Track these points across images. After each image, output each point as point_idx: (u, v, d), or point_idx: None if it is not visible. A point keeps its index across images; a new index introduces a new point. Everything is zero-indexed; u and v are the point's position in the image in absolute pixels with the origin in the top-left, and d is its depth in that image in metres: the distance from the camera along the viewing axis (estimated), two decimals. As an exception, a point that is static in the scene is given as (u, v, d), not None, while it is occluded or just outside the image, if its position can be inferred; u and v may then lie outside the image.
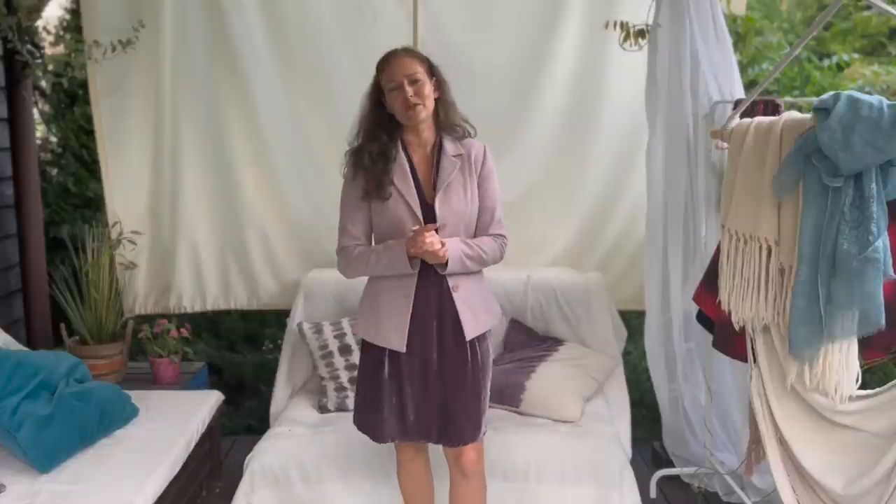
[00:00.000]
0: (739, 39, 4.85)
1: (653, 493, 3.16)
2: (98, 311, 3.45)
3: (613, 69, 3.44)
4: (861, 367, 2.03)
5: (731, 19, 3.50)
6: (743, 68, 4.14)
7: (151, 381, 3.47)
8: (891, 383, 1.98)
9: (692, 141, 3.00)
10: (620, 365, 3.32)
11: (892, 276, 1.92)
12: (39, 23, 3.85)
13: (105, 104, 3.56)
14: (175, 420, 2.87)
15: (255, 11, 3.48)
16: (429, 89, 2.20)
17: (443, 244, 2.13)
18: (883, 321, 1.93)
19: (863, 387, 2.04)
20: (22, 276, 3.77)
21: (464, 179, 2.25)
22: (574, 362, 3.15)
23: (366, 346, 2.32)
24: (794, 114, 2.24)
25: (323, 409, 3.04)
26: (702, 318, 2.73)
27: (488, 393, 2.32)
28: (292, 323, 3.40)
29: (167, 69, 3.52)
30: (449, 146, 2.27)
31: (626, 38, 3.05)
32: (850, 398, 2.03)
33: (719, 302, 2.39)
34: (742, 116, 2.52)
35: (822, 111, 1.96)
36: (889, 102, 1.89)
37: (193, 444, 2.83)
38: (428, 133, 2.27)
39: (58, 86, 3.93)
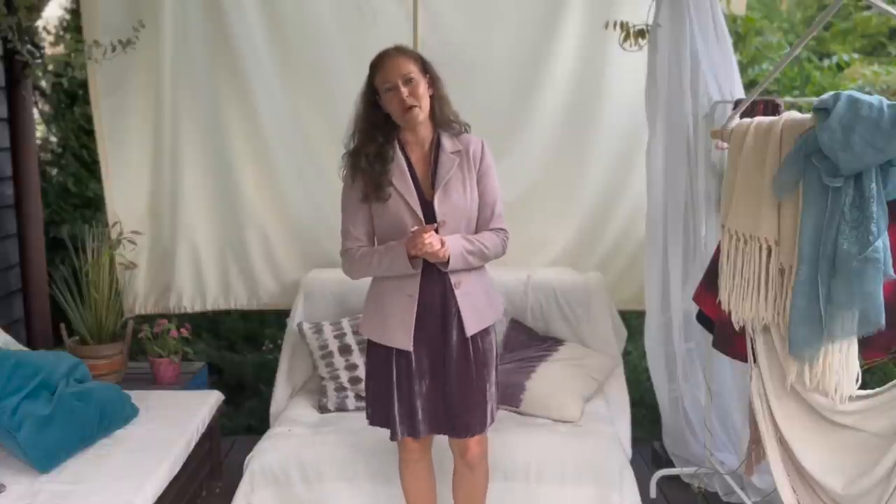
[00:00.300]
0: (739, 39, 4.85)
1: (653, 493, 3.16)
2: (98, 311, 3.45)
3: (613, 69, 3.44)
4: (861, 367, 2.03)
5: (731, 19, 3.50)
6: (743, 68, 4.14)
7: (151, 381, 3.47)
8: (891, 383, 1.98)
9: (692, 141, 3.00)
10: (620, 365, 3.32)
11: (892, 276, 1.92)
12: (39, 23, 3.84)
13: (105, 104, 3.56)
14: (175, 420, 2.87)
15: (255, 11, 3.47)
16: (423, 88, 2.20)
17: (443, 243, 2.13)
18: (883, 321, 1.93)
19: (863, 387, 2.04)
20: (22, 276, 3.77)
21: (462, 175, 2.25)
22: (574, 362, 3.15)
23: (372, 345, 2.33)
24: (794, 114, 2.24)
25: (323, 409, 3.04)
26: (702, 318, 2.73)
27: (494, 386, 2.33)
28: (292, 323, 3.40)
29: (167, 69, 3.52)
30: (447, 143, 2.27)
31: (626, 38, 3.05)
32: (850, 398, 2.03)
33: (719, 302, 2.39)
34: (742, 116, 2.52)
35: (822, 111, 1.96)
36: (889, 102, 1.89)
37: (193, 444, 2.83)
38: (425, 131, 2.27)
39: (58, 86, 3.93)
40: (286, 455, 2.69)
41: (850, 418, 2.03)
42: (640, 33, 3.03)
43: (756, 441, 2.42)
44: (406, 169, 2.24)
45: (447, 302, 2.24)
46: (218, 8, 3.45)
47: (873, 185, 1.91)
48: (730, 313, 2.33)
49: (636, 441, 3.13)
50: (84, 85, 3.69)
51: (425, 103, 2.21)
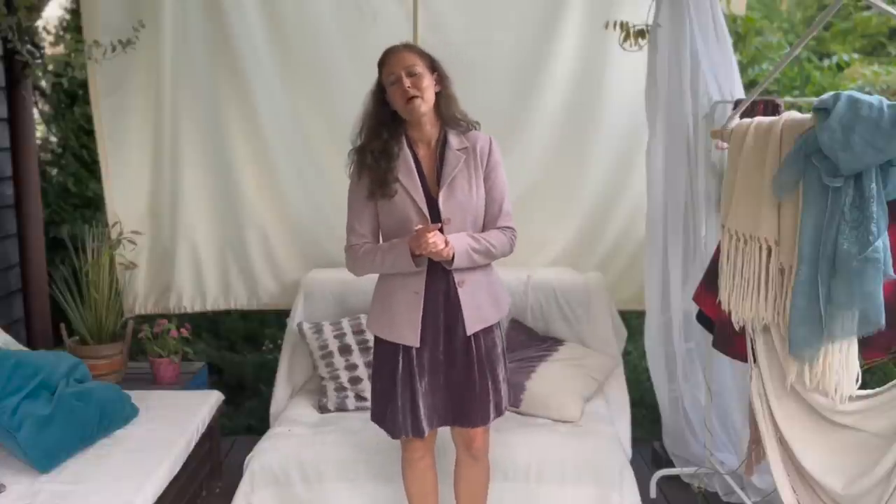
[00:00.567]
0: (739, 39, 4.85)
1: (653, 493, 3.16)
2: (98, 311, 3.45)
3: (613, 69, 3.44)
4: (861, 367, 2.03)
5: (731, 19, 3.50)
6: (743, 68, 4.14)
7: (151, 381, 3.47)
8: (891, 383, 1.98)
9: (692, 141, 3.00)
10: (620, 365, 3.32)
11: (892, 276, 1.92)
12: (39, 23, 3.84)
13: (105, 104, 3.56)
14: (175, 420, 2.87)
15: (255, 11, 3.47)
16: (428, 82, 2.20)
17: (447, 243, 2.13)
18: (883, 321, 1.93)
19: (863, 387, 2.04)
20: (22, 276, 3.77)
21: (469, 173, 2.25)
22: (574, 362, 3.15)
23: (379, 342, 2.33)
24: (794, 114, 2.24)
25: (323, 409, 3.04)
26: (702, 318, 2.73)
27: (501, 382, 2.33)
28: (292, 323, 3.40)
29: (167, 69, 3.52)
30: (453, 140, 2.27)
31: (626, 38, 3.05)
32: (850, 398, 2.03)
33: (719, 302, 2.39)
34: (742, 116, 2.52)
35: (822, 111, 1.96)
36: (889, 102, 1.89)
37: (193, 444, 2.83)
38: (431, 128, 2.28)
39: (58, 86, 3.93)
40: (286, 455, 2.69)
41: (850, 418, 2.03)
42: (640, 33, 3.03)
43: (756, 441, 2.42)
44: (412, 166, 2.24)
45: (451, 299, 2.25)
46: (218, 8, 3.45)
47: (873, 185, 1.91)
48: (730, 313, 2.33)
49: (636, 441, 3.13)
50: (84, 85, 3.69)
51: (428, 96, 2.21)
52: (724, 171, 2.63)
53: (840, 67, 5.10)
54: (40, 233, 3.84)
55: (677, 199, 3.08)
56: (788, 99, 3.30)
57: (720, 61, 2.99)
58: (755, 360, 2.29)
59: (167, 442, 2.68)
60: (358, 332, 3.24)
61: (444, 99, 2.27)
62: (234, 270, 3.75)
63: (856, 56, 5.21)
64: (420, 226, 2.13)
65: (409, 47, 2.26)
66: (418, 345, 2.24)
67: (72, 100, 4.75)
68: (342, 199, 3.59)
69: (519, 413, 2.94)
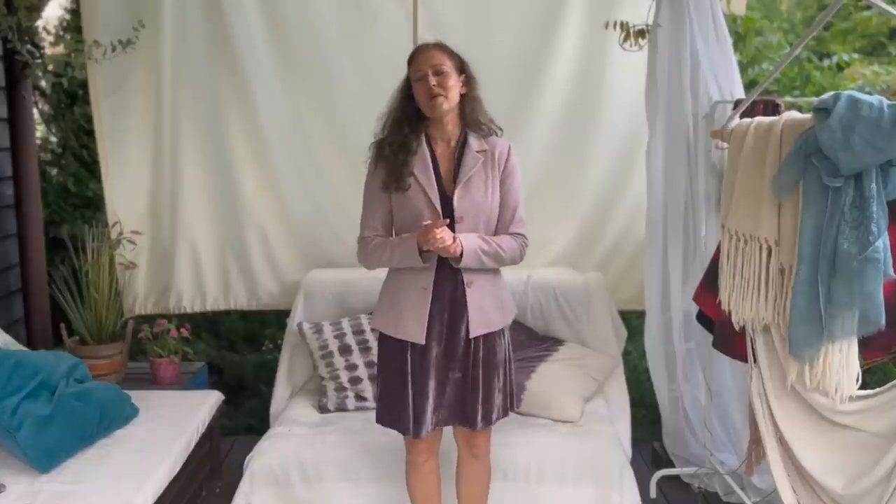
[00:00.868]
0: (739, 39, 4.85)
1: (653, 493, 3.16)
2: (98, 311, 3.45)
3: (613, 69, 3.44)
4: (861, 367, 2.03)
5: (731, 19, 3.50)
6: (743, 68, 4.14)
7: (151, 381, 3.47)
8: (891, 383, 1.98)
9: (692, 141, 3.00)
10: (620, 365, 3.32)
11: (892, 276, 1.92)
12: (39, 23, 3.84)
13: (105, 104, 3.56)
14: (175, 420, 2.87)
15: (255, 11, 3.47)
16: (453, 82, 2.21)
17: (455, 239, 2.13)
18: (883, 321, 1.93)
19: (863, 387, 2.04)
20: (22, 276, 3.77)
21: (486, 175, 2.26)
22: (574, 362, 3.15)
23: (384, 340, 2.33)
24: (794, 114, 2.24)
25: (323, 409, 3.04)
26: (702, 318, 2.73)
27: (503, 386, 2.33)
28: (292, 323, 3.40)
29: (167, 69, 3.52)
30: (473, 142, 2.28)
31: (626, 38, 3.05)
32: (850, 398, 2.03)
33: (719, 302, 2.39)
34: (742, 116, 2.52)
35: (822, 111, 1.96)
36: (889, 102, 1.89)
37: (193, 444, 2.83)
38: (452, 128, 2.29)
39: (58, 86, 3.93)
40: (286, 455, 2.69)
41: (850, 418, 2.03)
42: (640, 33, 3.03)
43: (756, 441, 2.42)
44: (429, 162, 2.25)
45: (457, 299, 2.25)
46: (218, 8, 3.45)
47: (873, 185, 1.91)
48: (730, 313, 2.33)
49: (636, 441, 3.13)
50: (84, 85, 3.69)
51: (452, 95, 2.22)
52: (724, 171, 2.63)
53: (840, 67, 5.10)
54: (40, 233, 3.84)
55: (677, 199, 3.08)
56: (788, 99, 3.30)
57: (720, 61, 2.99)
58: (755, 360, 2.29)
59: (167, 442, 2.68)
60: (358, 332, 3.24)
61: (468, 101, 2.28)
62: (233, 270, 3.75)
63: (856, 56, 5.21)
64: (429, 221, 2.13)
65: (440, 46, 2.27)
66: (423, 341, 2.23)
67: (72, 100, 4.75)
68: (342, 200, 3.66)
69: (519, 413, 2.94)
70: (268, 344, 5.00)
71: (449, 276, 2.24)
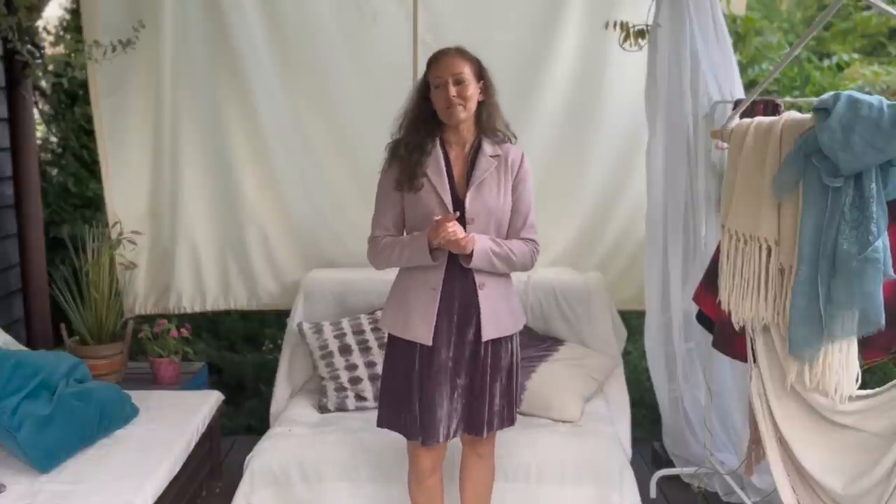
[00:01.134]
0: (739, 39, 4.85)
1: (653, 493, 3.16)
2: (98, 311, 3.44)
3: (613, 69, 3.44)
4: (861, 367, 2.03)
5: (731, 19, 3.50)
6: (743, 68, 4.14)
7: (151, 381, 3.46)
8: (891, 383, 1.98)
9: (692, 141, 3.00)
10: (620, 365, 3.32)
11: (892, 276, 1.92)
12: (39, 23, 3.84)
13: (105, 104, 3.56)
14: (175, 420, 2.87)
15: (255, 11, 3.47)
16: (473, 90, 2.22)
17: (466, 235, 2.14)
18: (883, 321, 1.93)
19: (863, 387, 2.04)
20: (22, 276, 3.77)
21: (498, 178, 2.26)
22: (574, 362, 3.15)
23: (392, 342, 2.32)
24: (794, 114, 2.25)
25: (323, 409, 3.04)
26: (702, 318, 2.73)
27: (509, 392, 2.33)
28: (292, 323, 3.40)
29: (167, 69, 3.51)
30: (487, 147, 2.29)
31: (626, 38, 3.05)
32: (850, 398, 2.03)
33: (719, 302, 2.39)
34: (742, 116, 2.52)
35: (822, 111, 1.96)
36: (889, 102, 1.89)
37: (193, 444, 2.82)
38: (467, 133, 2.29)
39: (58, 86, 3.93)
40: (286, 455, 2.69)
41: (850, 418, 2.03)
42: (640, 33, 3.03)
43: (756, 441, 2.42)
44: (443, 164, 2.25)
45: (469, 301, 2.24)
46: (218, 8, 3.45)
47: (873, 185, 1.91)
48: (730, 313, 2.33)
49: (636, 441, 3.13)
50: (84, 85, 3.69)
51: (471, 105, 2.23)
52: (724, 171, 2.63)
53: (840, 67, 5.10)
54: (40, 233, 3.84)
55: (677, 199, 3.08)
56: (788, 99, 3.30)
57: (720, 61, 2.99)
58: (755, 360, 2.29)
59: (167, 442, 2.68)
60: (358, 332, 3.24)
61: (485, 107, 2.28)
62: (233, 270, 3.75)
63: (856, 56, 5.21)
64: (439, 216, 2.13)
65: (461, 52, 2.26)
66: (430, 343, 2.23)
67: (72, 100, 4.75)
68: (342, 200, 3.66)
69: (519, 413, 2.92)
70: (268, 344, 5.00)
71: (459, 277, 2.24)
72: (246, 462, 2.70)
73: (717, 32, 2.99)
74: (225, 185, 3.64)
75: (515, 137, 2.35)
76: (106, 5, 3.45)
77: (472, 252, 2.15)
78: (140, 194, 3.67)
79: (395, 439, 2.43)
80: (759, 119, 2.33)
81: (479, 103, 2.26)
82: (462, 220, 2.20)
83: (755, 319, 2.24)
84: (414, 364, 2.26)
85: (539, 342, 3.29)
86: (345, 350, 3.18)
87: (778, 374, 2.20)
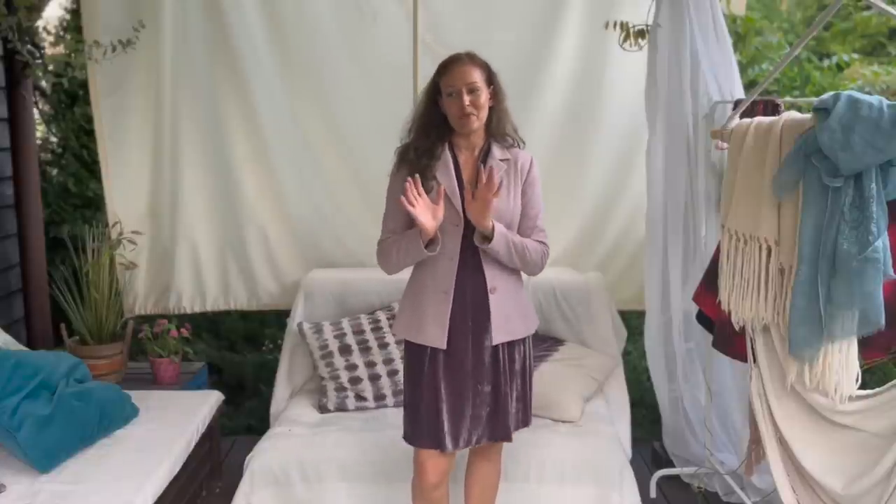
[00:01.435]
0: (739, 39, 4.85)
1: (653, 493, 3.16)
2: (98, 311, 3.44)
3: (613, 69, 3.44)
4: (861, 367, 2.03)
5: (731, 19, 3.50)
6: (743, 68, 4.14)
7: (151, 381, 3.46)
8: (891, 383, 1.98)
9: (692, 141, 3.00)
10: (620, 365, 3.32)
11: (892, 276, 1.92)
12: (39, 23, 3.84)
13: (105, 104, 3.56)
14: (175, 420, 2.87)
15: (255, 11, 3.47)
16: (485, 98, 2.22)
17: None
18: (883, 321, 1.93)
19: (863, 387, 2.04)
20: (22, 276, 3.77)
21: (509, 182, 2.26)
22: (574, 362, 3.15)
23: (409, 350, 2.30)
24: (794, 114, 2.25)
25: (323, 409, 3.04)
26: (702, 318, 2.73)
27: (524, 394, 2.34)
28: (292, 323, 3.39)
29: (167, 69, 3.52)
30: (497, 151, 2.29)
31: (626, 38, 3.05)
32: (850, 398, 2.03)
33: (719, 302, 2.39)
34: (742, 116, 2.52)
35: (822, 111, 1.96)
36: (889, 102, 1.89)
37: (193, 444, 2.83)
38: (477, 138, 2.29)
39: (58, 86, 3.93)
40: (286, 455, 2.69)
41: (850, 418, 2.03)
42: (640, 33, 3.03)
43: (756, 441, 2.42)
44: (452, 167, 2.25)
45: (480, 305, 2.24)
46: (218, 8, 3.45)
47: (873, 185, 1.91)
48: (730, 313, 2.33)
49: (636, 441, 3.13)
50: (84, 85, 3.69)
51: (483, 114, 2.23)
52: (724, 171, 2.63)
53: (840, 67, 5.10)
54: (40, 233, 3.84)
55: (677, 199, 3.08)
56: (788, 99, 3.30)
57: (720, 61, 2.99)
58: (755, 360, 2.29)
59: (167, 442, 2.68)
60: (358, 332, 3.24)
61: (496, 113, 2.28)
62: (233, 271, 3.75)
63: (856, 56, 5.21)
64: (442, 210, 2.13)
65: (473, 59, 2.25)
66: (445, 346, 2.21)
67: (72, 100, 4.74)
68: (342, 200, 3.67)
69: (519, 413, 2.94)
70: (268, 344, 5.00)
71: (471, 280, 2.23)
72: (246, 462, 2.70)
73: (717, 32, 2.99)
74: (225, 184, 3.64)
75: (524, 143, 2.36)
76: (106, 5, 3.45)
77: (491, 235, 2.14)
78: (140, 194, 3.67)
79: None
80: (759, 119, 2.33)
81: (490, 108, 2.26)
82: (470, 225, 2.19)
83: (755, 319, 2.24)
84: (436, 370, 2.23)
85: (539, 342, 3.29)
86: (345, 350, 3.18)
87: (778, 374, 2.20)
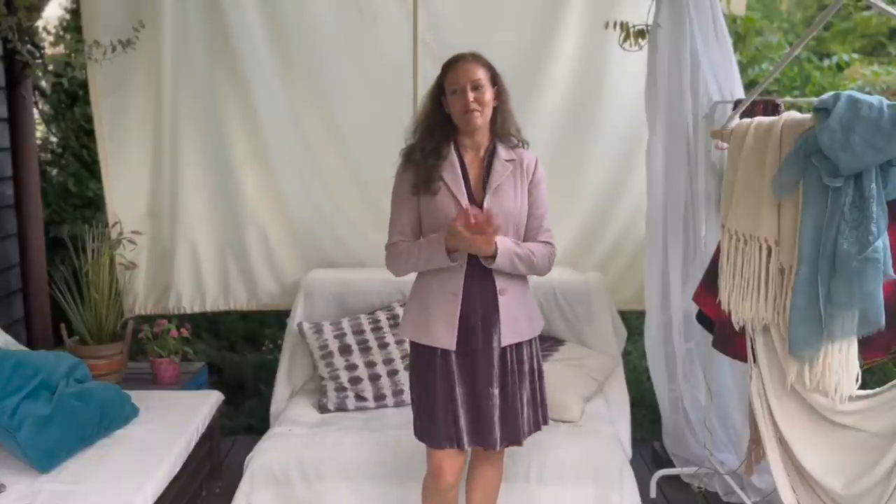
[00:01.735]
0: (739, 39, 4.85)
1: (653, 493, 3.16)
2: (98, 311, 3.44)
3: (613, 69, 3.44)
4: (861, 367, 2.03)
5: (731, 19, 3.50)
6: (743, 68, 4.14)
7: (151, 381, 3.47)
8: (891, 383, 1.98)
9: (692, 141, 3.00)
10: (620, 365, 3.32)
11: (892, 276, 1.92)
12: (39, 23, 3.84)
13: (105, 104, 3.56)
14: (175, 420, 2.87)
15: (255, 11, 3.47)
16: (489, 96, 2.22)
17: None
18: (883, 321, 1.93)
19: (863, 387, 2.04)
20: (22, 276, 3.77)
21: (515, 182, 2.26)
22: (574, 362, 3.15)
23: (416, 351, 2.30)
24: (794, 114, 2.25)
25: (323, 409, 3.05)
26: (702, 318, 2.73)
27: (535, 396, 2.32)
28: (292, 323, 3.39)
29: (167, 69, 3.52)
30: (502, 151, 2.29)
31: (626, 38, 3.05)
32: (850, 398, 2.03)
33: (719, 302, 2.39)
34: (742, 116, 2.52)
35: (822, 111, 1.96)
36: (889, 102, 1.89)
37: (193, 444, 2.83)
38: (482, 138, 2.29)
39: (58, 86, 3.92)
40: (286, 455, 2.69)
41: (850, 418, 2.03)
42: (640, 33, 3.03)
43: (756, 441, 2.42)
44: (458, 167, 2.25)
45: (488, 306, 2.23)
46: (218, 8, 3.45)
47: (873, 185, 1.91)
48: (730, 313, 2.33)
49: (636, 441, 3.13)
50: (84, 85, 3.69)
51: (487, 111, 2.23)
52: (724, 171, 2.63)
53: (840, 67, 5.10)
54: (40, 233, 3.84)
55: (677, 199, 3.08)
56: (788, 99, 3.30)
57: (720, 61, 2.99)
58: (755, 360, 2.29)
59: (167, 442, 2.68)
60: (358, 332, 3.24)
61: (500, 113, 2.28)
62: (233, 271, 3.75)
63: (856, 56, 5.21)
64: (457, 217, 2.12)
65: (477, 58, 2.26)
66: (454, 347, 2.21)
67: (72, 100, 4.74)
68: (342, 200, 3.67)
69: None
70: (268, 344, 5.00)
71: (480, 282, 2.23)
72: (246, 462, 2.70)
73: (717, 32, 2.99)
74: (225, 184, 3.64)
75: (528, 143, 2.36)
76: (106, 5, 3.45)
77: (495, 253, 2.14)
78: (140, 194, 3.67)
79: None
80: (759, 119, 2.33)
81: (494, 108, 2.26)
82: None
83: (755, 319, 2.24)
84: (450, 371, 2.23)
85: (539, 342, 3.28)
86: (345, 350, 3.18)
87: (778, 374, 2.20)
